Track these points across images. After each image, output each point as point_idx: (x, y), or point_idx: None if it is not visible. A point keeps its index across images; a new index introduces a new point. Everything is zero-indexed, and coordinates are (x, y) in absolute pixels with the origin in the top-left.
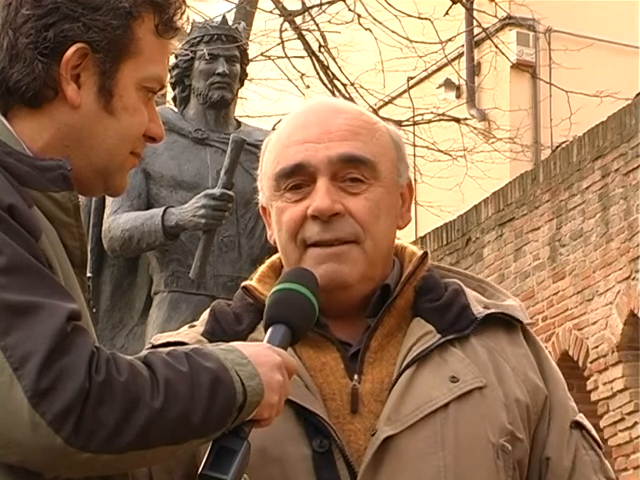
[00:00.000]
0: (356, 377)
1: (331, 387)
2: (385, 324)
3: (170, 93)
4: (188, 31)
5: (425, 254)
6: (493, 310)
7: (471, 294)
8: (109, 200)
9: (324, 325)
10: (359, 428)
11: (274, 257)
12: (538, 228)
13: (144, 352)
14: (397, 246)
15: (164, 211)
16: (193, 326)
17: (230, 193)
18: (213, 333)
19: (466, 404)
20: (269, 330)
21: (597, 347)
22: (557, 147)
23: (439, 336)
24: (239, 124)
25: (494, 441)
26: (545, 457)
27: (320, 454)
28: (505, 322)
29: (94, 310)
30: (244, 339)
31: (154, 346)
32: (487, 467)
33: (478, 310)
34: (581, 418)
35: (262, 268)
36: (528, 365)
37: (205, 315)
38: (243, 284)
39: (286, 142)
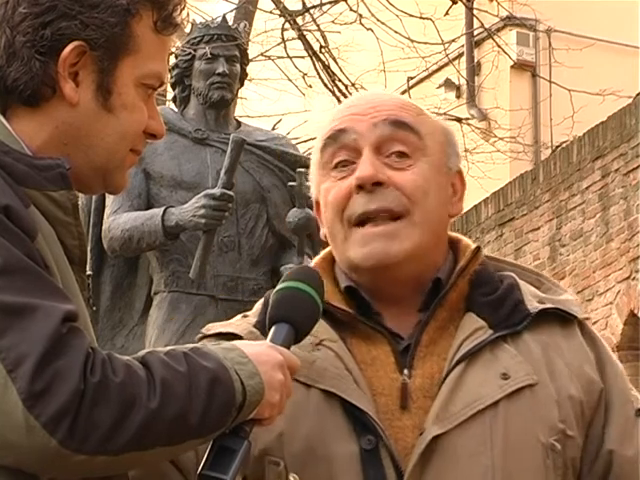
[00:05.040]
0: (406, 372)
1: (381, 382)
2: (437, 317)
3: (170, 93)
4: (188, 31)
5: (478, 248)
6: (547, 305)
7: (526, 288)
8: (109, 200)
9: (376, 314)
10: (407, 425)
11: (327, 249)
12: (538, 228)
13: (143, 352)
14: (452, 238)
15: (164, 211)
16: (246, 316)
17: (230, 193)
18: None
19: (516, 402)
20: (272, 329)
21: None
22: (557, 147)
23: (491, 332)
24: (239, 124)
25: (544, 441)
26: (607, 450)
27: (367, 452)
28: (560, 317)
29: (94, 308)
30: None
31: (205, 336)
32: (536, 467)
33: (532, 305)
34: None
35: (316, 259)
36: (584, 359)
37: (258, 305)
38: None
39: (332, 120)
